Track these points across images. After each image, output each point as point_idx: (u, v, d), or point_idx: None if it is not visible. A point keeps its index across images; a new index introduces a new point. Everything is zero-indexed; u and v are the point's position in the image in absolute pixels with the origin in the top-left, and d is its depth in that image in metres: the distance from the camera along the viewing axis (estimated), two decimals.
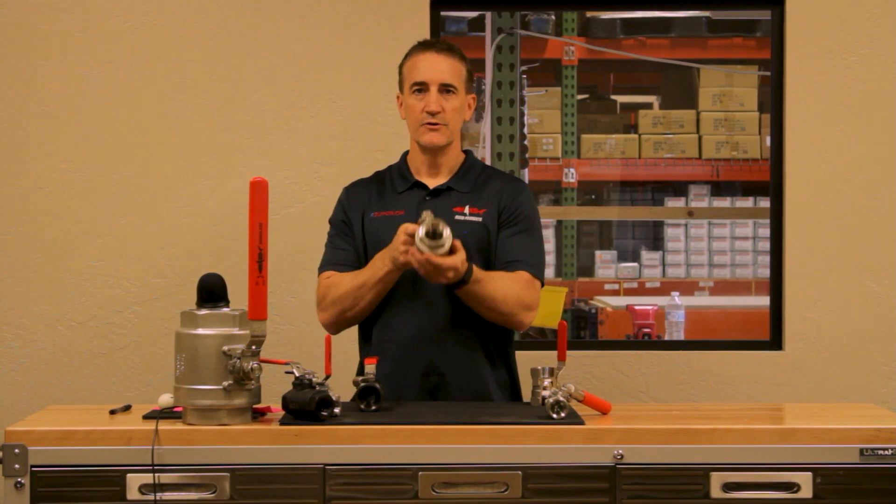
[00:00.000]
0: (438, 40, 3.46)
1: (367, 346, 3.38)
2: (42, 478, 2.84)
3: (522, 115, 6.41)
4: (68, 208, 4.27)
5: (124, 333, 4.28)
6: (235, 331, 2.90)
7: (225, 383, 2.88)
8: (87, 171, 4.27)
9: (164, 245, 4.28)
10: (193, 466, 2.86)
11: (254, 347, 2.87)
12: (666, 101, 7.19)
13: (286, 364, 2.98)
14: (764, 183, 4.64)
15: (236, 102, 4.29)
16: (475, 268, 3.17)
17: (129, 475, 2.84)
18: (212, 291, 2.94)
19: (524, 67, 6.49)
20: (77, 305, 4.27)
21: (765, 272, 5.36)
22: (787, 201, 4.33)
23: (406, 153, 3.46)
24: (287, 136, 4.29)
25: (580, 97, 6.89)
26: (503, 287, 3.22)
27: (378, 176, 3.48)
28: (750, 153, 6.62)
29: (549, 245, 6.75)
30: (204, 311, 2.92)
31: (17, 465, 2.84)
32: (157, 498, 2.84)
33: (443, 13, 4.43)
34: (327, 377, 2.99)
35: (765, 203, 4.80)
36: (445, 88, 3.31)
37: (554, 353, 3.12)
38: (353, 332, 3.42)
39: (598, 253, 7.00)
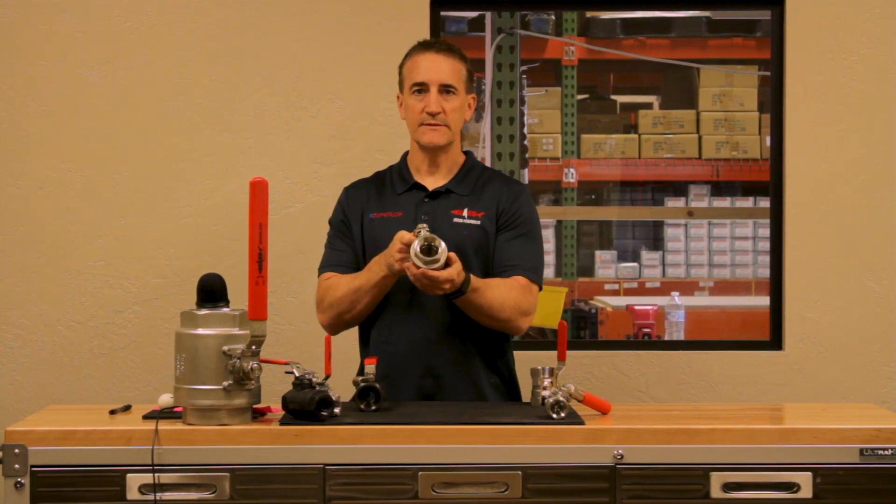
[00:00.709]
0: (438, 40, 3.45)
1: (365, 348, 3.39)
2: (42, 478, 2.84)
3: (522, 115, 6.41)
4: (68, 208, 4.27)
5: (124, 333, 4.28)
6: (235, 331, 2.90)
7: (225, 383, 2.88)
8: (87, 171, 4.27)
9: (164, 245, 4.28)
10: (193, 466, 2.86)
11: (254, 347, 2.87)
12: (666, 101, 7.19)
13: (286, 364, 2.98)
14: (764, 183, 4.64)
15: (236, 102, 4.29)
16: (472, 277, 3.17)
17: (129, 475, 2.84)
18: (212, 291, 2.95)
19: (524, 67, 6.49)
20: (77, 305, 4.27)
21: (765, 272, 5.37)
22: (787, 201, 4.33)
23: (406, 153, 3.46)
24: (287, 136, 4.29)
25: (580, 97, 6.90)
26: (500, 295, 3.23)
27: (378, 176, 3.48)
28: (750, 153, 6.62)
29: (549, 245, 6.75)
30: (204, 311, 2.92)
31: (17, 465, 2.84)
32: (157, 498, 2.84)
33: (443, 13, 4.43)
34: (327, 377, 2.99)
35: (765, 203, 4.80)
36: (445, 89, 3.30)
37: (554, 353, 3.12)
38: (353, 332, 3.42)
39: (598, 253, 7.00)
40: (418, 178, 3.39)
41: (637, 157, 6.70)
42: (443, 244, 3.05)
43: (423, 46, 3.37)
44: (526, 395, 3.21)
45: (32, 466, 2.84)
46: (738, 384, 4.32)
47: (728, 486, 2.88)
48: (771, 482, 2.88)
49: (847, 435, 2.90)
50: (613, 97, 7.38)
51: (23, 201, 4.27)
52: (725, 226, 6.97)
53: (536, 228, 3.38)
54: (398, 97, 3.42)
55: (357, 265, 3.35)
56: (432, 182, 3.38)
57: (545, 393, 2.99)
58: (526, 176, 6.59)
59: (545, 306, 4.07)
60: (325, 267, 3.40)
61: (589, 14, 6.75)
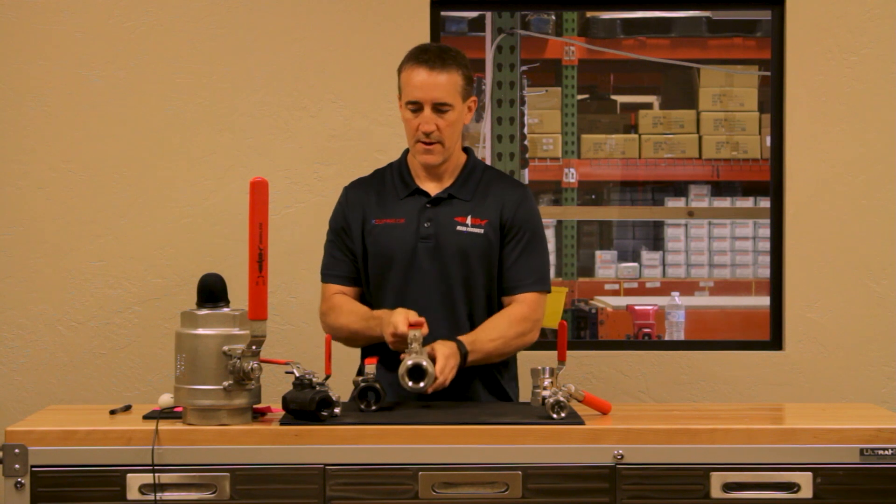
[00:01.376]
0: (433, 51, 3.32)
1: (365, 349, 3.38)
2: (42, 478, 2.84)
3: (522, 115, 6.41)
4: (68, 208, 4.27)
5: (124, 333, 4.28)
6: (235, 331, 2.90)
7: (225, 383, 2.88)
8: (87, 171, 4.27)
9: (164, 245, 4.28)
10: (193, 466, 2.86)
11: (254, 347, 2.87)
12: (666, 101, 7.19)
13: (286, 364, 2.98)
14: (764, 183, 4.64)
15: (236, 102, 4.29)
16: (466, 343, 3.17)
17: (129, 475, 2.84)
18: (212, 291, 2.95)
19: (524, 67, 6.49)
20: (77, 305, 4.27)
21: (765, 272, 5.37)
22: (787, 201, 4.33)
23: (407, 151, 3.44)
24: (287, 136, 4.29)
25: (580, 97, 6.89)
26: (499, 336, 3.25)
27: (379, 175, 3.46)
28: (750, 153, 6.62)
29: (550, 245, 6.74)
30: (204, 311, 2.92)
31: (17, 465, 2.84)
32: (158, 498, 2.84)
33: (443, 13, 4.43)
34: (327, 377, 2.99)
35: (765, 203, 4.80)
36: (439, 107, 3.27)
37: (554, 353, 3.12)
38: None
39: (598, 253, 7.00)
40: (419, 182, 3.38)
41: (637, 157, 6.70)
42: (432, 367, 3.03)
43: (417, 60, 3.28)
44: (526, 396, 3.21)
45: (32, 466, 2.84)
46: (738, 384, 4.32)
47: (728, 486, 2.88)
48: (771, 482, 2.88)
49: (847, 435, 2.90)
50: (613, 97, 7.38)
51: (23, 201, 4.27)
52: (725, 226, 6.97)
53: (540, 233, 3.38)
54: (399, 97, 3.40)
55: (356, 275, 3.37)
56: (434, 187, 3.37)
57: (545, 393, 2.99)
58: (526, 176, 6.59)
59: (546, 306, 4.07)
60: (325, 276, 3.41)
61: (589, 14, 6.75)
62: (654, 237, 7.18)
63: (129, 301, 4.28)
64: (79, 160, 4.27)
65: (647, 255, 6.97)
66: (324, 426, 2.89)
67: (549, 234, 6.77)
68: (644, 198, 7.09)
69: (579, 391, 3.03)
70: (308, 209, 4.26)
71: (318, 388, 2.92)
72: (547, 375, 3.02)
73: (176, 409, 2.99)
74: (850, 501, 2.89)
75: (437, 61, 3.27)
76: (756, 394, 4.30)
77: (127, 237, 4.28)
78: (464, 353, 3.15)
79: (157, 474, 2.83)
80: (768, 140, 4.45)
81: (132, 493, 2.84)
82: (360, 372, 3.32)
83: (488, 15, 6.19)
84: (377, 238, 3.33)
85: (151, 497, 2.83)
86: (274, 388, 3.22)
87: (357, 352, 3.43)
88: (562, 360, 3.09)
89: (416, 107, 3.28)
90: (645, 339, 5.98)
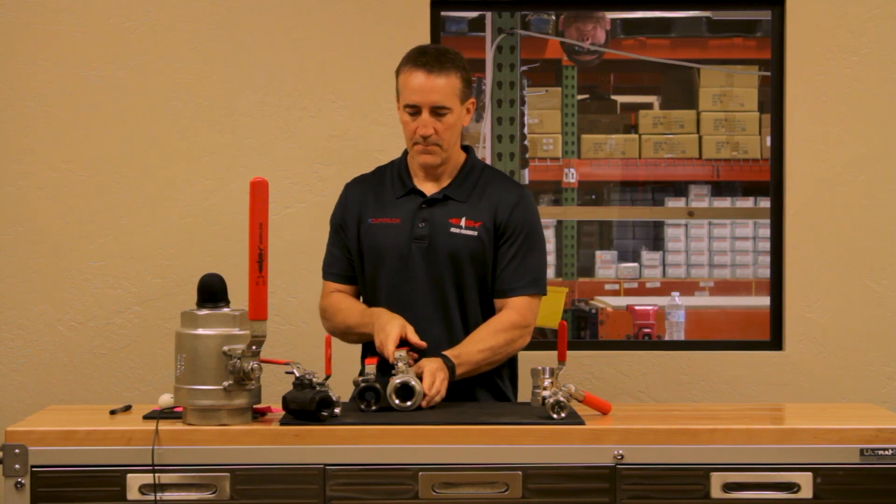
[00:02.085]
0: (431, 53, 3.29)
1: (365, 348, 3.39)
2: (42, 478, 2.84)
3: (522, 115, 6.41)
4: (68, 208, 4.27)
5: (124, 333, 4.28)
6: (235, 331, 2.90)
7: (225, 383, 2.88)
8: (87, 171, 4.27)
9: (164, 245, 4.28)
10: (193, 466, 2.86)
11: (254, 347, 2.87)
12: (666, 102, 7.17)
13: (286, 364, 2.98)
14: (764, 183, 4.64)
15: (236, 102, 4.29)
16: (452, 357, 3.17)
17: (129, 475, 2.84)
18: (212, 291, 2.95)
19: (524, 67, 6.49)
20: (77, 305, 4.27)
21: (765, 272, 5.36)
22: (787, 201, 4.33)
23: (407, 150, 3.44)
24: (287, 136, 4.29)
25: (580, 97, 6.89)
26: (486, 347, 3.24)
27: (379, 173, 3.47)
28: (750, 153, 6.61)
29: (550, 245, 6.74)
30: (204, 312, 2.92)
31: (17, 466, 2.84)
32: (158, 498, 2.84)
33: (443, 13, 4.43)
34: (327, 377, 3.00)
35: (765, 203, 4.79)
36: (437, 110, 3.26)
37: (554, 353, 3.12)
38: None
39: (598, 253, 6.99)
40: (417, 182, 3.38)
41: (637, 157, 6.69)
42: (419, 385, 3.03)
43: (415, 63, 3.26)
44: (526, 396, 3.21)
45: (32, 466, 2.84)
46: (738, 384, 4.32)
47: (728, 487, 2.88)
48: (771, 482, 2.88)
49: (847, 435, 2.90)
50: (613, 97, 7.37)
51: (23, 201, 4.27)
52: (726, 226, 6.95)
53: (536, 235, 3.36)
54: (397, 100, 3.40)
55: (352, 272, 3.39)
56: (431, 187, 3.36)
57: (545, 393, 2.99)
58: (526, 176, 6.59)
59: (545, 306, 4.06)
60: (326, 273, 3.44)
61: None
62: (654, 237, 7.17)
63: (129, 301, 4.28)
64: (79, 160, 4.27)
65: (647, 255, 6.96)
66: (324, 426, 2.88)
67: (549, 235, 6.76)
68: (644, 198, 7.08)
69: (579, 391, 3.03)
70: (308, 209, 4.26)
71: (318, 389, 2.92)
72: (547, 375, 3.02)
73: (176, 409, 2.99)
74: (850, 501, 2.88)
75: (436, 64, 3.26)
76: (756, 394, 4.30)
77: (127, 237, 4.28)
78: (450, 366, 3.15)
79: (157, 474, 2.83)
80: (768, 140, 4.45)
81: (132, 494, 2.84)
82: (361, 372, 3.32)
83: (488, 15, 6.18)
84: (372, 237, 3.34)
85: (151, 497, 2.83)
86: (274, 388, 3.22)
87: (357, 352, 3.43)
88: (562, 360, 3.09)
89: (415, 110, 3.27)
90: (645, 339, 5.97)
